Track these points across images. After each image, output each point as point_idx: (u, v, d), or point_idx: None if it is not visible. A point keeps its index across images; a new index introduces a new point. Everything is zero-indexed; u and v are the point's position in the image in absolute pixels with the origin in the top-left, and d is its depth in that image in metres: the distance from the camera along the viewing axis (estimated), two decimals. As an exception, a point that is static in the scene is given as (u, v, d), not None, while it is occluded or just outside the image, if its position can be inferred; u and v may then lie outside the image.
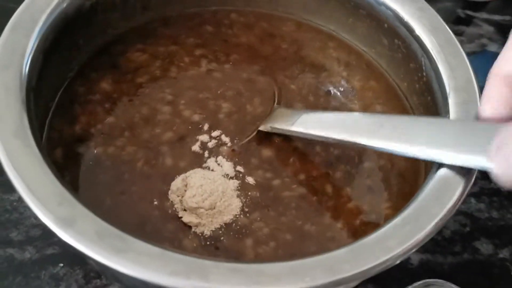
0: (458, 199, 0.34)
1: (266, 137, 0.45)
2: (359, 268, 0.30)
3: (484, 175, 0.55)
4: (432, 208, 0.33)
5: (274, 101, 0.47)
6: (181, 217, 0.39)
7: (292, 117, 0.43)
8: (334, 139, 0.40)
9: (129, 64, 0.48)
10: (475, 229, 0.52)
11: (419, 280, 0.46)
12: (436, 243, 0.51)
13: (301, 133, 0.42)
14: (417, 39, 0.44)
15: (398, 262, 0.32)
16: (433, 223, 0.32)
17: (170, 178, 0.41)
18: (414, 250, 0.32)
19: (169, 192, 0.40)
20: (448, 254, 0.50)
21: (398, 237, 0.32)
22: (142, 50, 0.49)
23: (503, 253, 0.51)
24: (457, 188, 0.34)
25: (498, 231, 0.52)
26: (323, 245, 0.39)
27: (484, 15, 0.72)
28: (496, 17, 0.72)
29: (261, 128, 0.45)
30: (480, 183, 0.55)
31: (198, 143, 0.44)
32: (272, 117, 0.45)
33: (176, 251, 0.30)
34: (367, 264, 0.31)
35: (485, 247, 0.51)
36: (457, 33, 0.70)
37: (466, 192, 0.34)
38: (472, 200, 0.54)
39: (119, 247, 0.30)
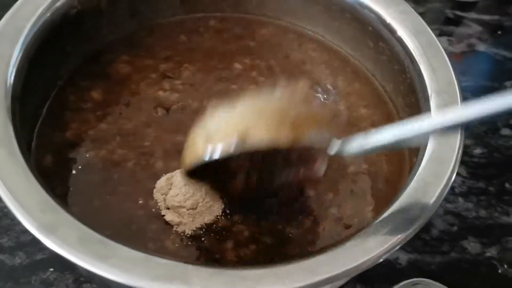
0: (437, 201, 0.34)
1: None
2: (338, 269, 0.31)
3: (472, 174, 0.56)
4: (411, 210, 0.34)
5: None
6: (164, 215, 0.40)
7: None
8: None
9: (117, 75, 0.48)
10: (463, 228, 0.52)
11: (407, 280, 0.46)
12: (425, 243, 0.51)
13: None
14: (400, 41, 0.45)
15: (378, 262, 0.32)
16: (412, 225, 0.33)
17: (158, 177, 0.42)
18: (393, 251, 0.32)
19: (154, 190, 0.41)
20: (436, 254, 0.50)
21: (377, 239, 0.32)
22: (127, 62, 0.49)
23: (491, 252, 0.51)
24: (436, 190, 0.35)
25: (486, 230, 0.53)
26: (304, 248, 0.39)
27: (473, 15, 0.73)
28: (485, 17, 0.73)
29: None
30: (468, 182, 0.56)
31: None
32: None
33: (159, 256, 0.31)
34: (346, 265, 0.31)
35: (472, 246, 0.51)
36: (446, 33, 0.70)
37: (444, 194, 0.35)
38: (460, 199, 0.54)
39: (102, 252, 0.30)
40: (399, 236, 0.33)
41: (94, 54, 0.49)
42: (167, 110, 0.46)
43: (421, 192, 0.35)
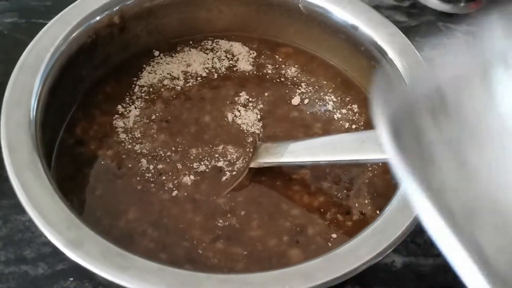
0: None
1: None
2: (333, 275, 0.35)
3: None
4: (398, 220, 0.37)
5: (256, 140, 0.49)
6: None
7: (279, 149, 0.46)
8: (323, 162, 0.45)
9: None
10: (455, 232, 0.55)
11: (404, 281, 0.49)
12: (418, 246, 0.54)
13: (293, 162, 0.46)
14: (390, 62, 0.49)
15: (368, 266, 0.36)
16: (398, 233, 0.37)
17: None
18: (382, 257, 0.36)
19: None
20: (429, 256, 0.54)
21: (367, 247, 0.36)
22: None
23: (481, 254, 0.54)
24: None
25: (477, 232, 0.55)
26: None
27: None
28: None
29: (252, 165, 0.47)
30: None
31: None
32: (259, 154, 0.47)
33: (172, 266, 0.35)
34: (340, 271, 0.35)
35: (465, 248, 0.54)
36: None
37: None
38: (452, 203, 0.57)
39: (121, 264, 0.34)
40: (387, 244, 0.36)
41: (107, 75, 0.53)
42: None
43: (407, 203, 0.38)
